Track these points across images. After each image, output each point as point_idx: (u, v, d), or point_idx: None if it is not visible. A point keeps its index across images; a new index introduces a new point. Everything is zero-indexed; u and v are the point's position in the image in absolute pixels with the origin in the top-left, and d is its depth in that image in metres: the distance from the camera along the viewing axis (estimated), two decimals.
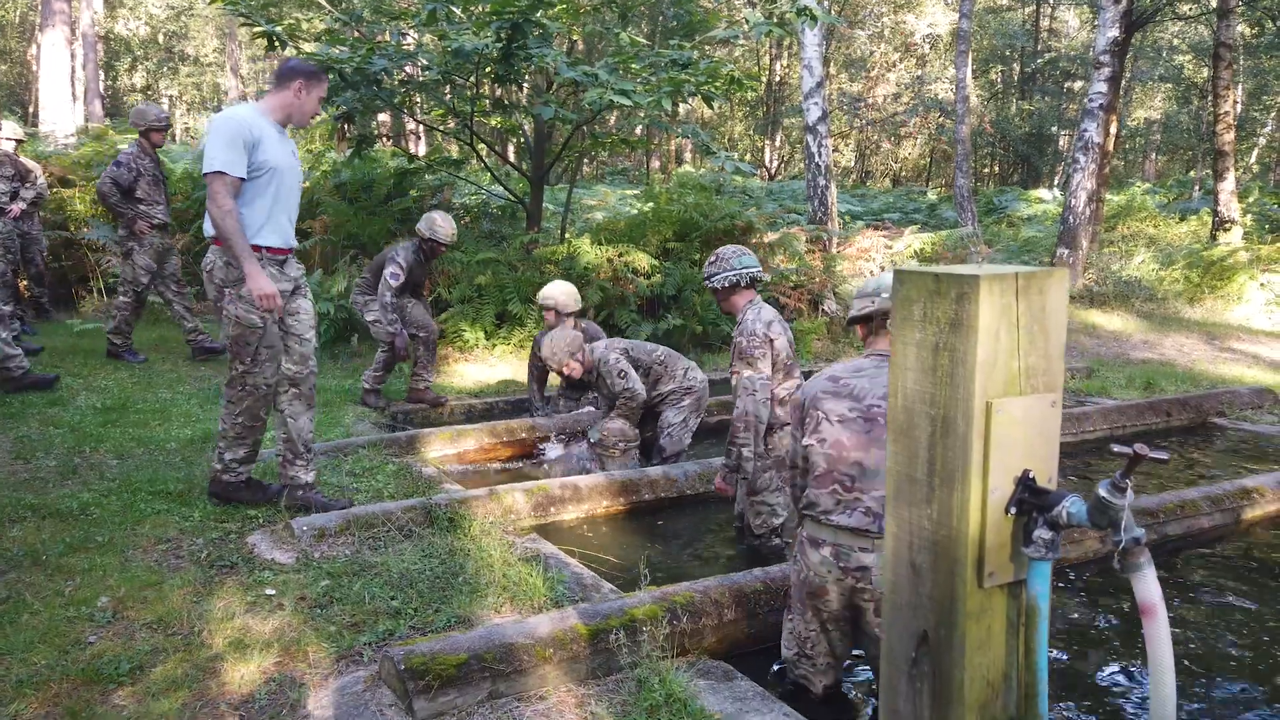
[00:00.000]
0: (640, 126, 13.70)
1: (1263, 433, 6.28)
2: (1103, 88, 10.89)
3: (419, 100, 9.20)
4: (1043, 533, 1.24)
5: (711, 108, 8.38)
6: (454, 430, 5.50)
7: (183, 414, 5.79)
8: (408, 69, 8.10)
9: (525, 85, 8.63)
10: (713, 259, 4.30)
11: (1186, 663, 3.26)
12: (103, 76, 27.47)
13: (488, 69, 8.15)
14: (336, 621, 3.15)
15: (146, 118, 6.96)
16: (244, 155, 3.76)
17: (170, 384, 6.58)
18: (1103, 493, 1.25)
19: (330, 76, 7.59)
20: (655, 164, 26.32)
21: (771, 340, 4.06)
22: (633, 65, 7.77)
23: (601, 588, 3.50)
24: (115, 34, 31.22)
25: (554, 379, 6.44)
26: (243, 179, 3.78)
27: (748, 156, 29.67)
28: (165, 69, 34.08)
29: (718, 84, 7.88)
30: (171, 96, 34.73)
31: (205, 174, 3.75)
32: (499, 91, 10.09)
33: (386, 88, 7.76)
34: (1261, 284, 11.92)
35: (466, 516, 4.02)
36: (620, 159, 27.54)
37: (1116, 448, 1.25)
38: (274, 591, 3.36)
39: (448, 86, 8.32)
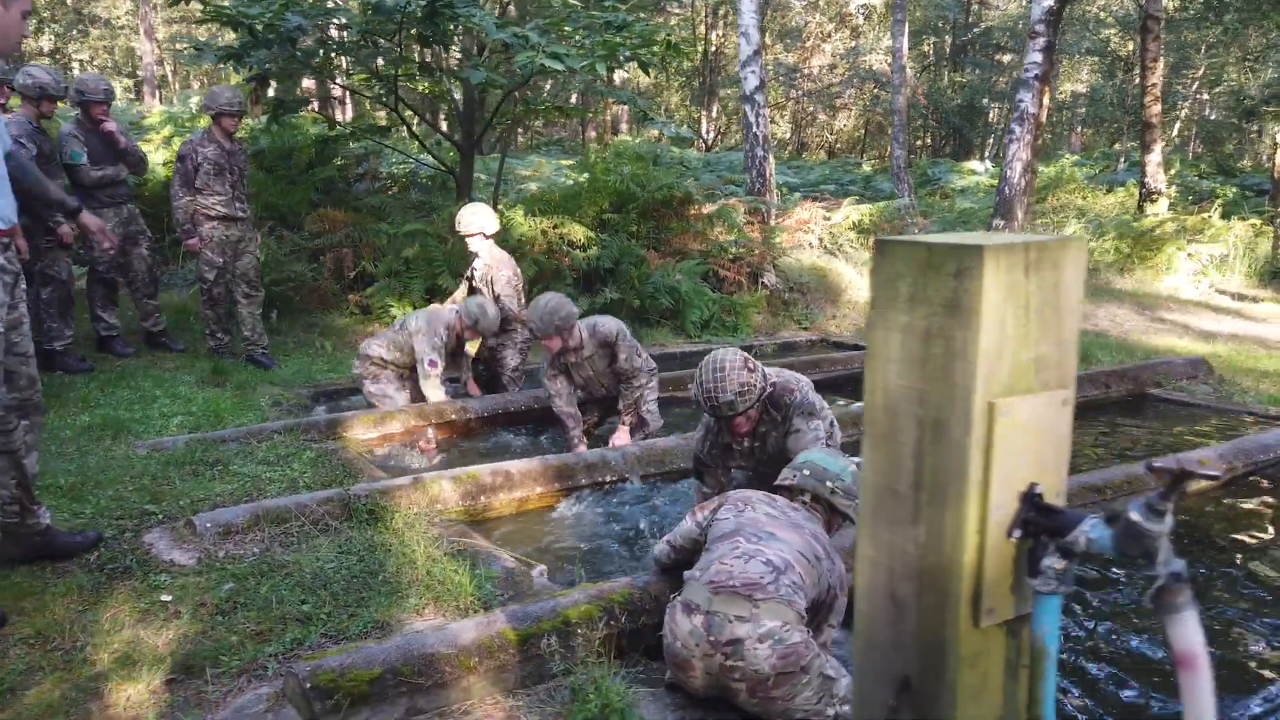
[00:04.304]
0: (575, 94, 13.29)
1: (1199, 404, 6.28)
2: (1038, 58, 10.84)
3: (340, 64, 8.70)
4: (1054, 561, 1.02)
5: (648, 74, 8.09)
6: (378, 413, 5.19)
7: (79, 399, 5.38)
8: (330, 29, 7.63)
9: (454, 48, 8.21)
10: (724, 376, 3.44)
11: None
12: None
13: (412, 29, 7.74)
14: (239, 631, 2.86)
15: (217, 101, 6.24)
16: None
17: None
18: (1135, 516, 1.03)
19: (241, 34, 7.12)
20: (591, 133, 25.85)
21: None
22: (565, 27, 7.43)
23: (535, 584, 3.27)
24: None
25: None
26: None
27: (684, 127, 29.37)
28: (74, 32, 32.35)
29: (654, 49, 7.60)
30: (82, 61, 33.01)
31: None
32: (426, 55, 9.66)
33: (303, 48, 7.30)
34: (1189, 254, 12.09)
35: (388, 508, 3.74)
36: (556, 128, 27.03)
37: (1158, 463, 1.04)
38: (170, 598, 3.05)
39: (370, 48, 7.87)
